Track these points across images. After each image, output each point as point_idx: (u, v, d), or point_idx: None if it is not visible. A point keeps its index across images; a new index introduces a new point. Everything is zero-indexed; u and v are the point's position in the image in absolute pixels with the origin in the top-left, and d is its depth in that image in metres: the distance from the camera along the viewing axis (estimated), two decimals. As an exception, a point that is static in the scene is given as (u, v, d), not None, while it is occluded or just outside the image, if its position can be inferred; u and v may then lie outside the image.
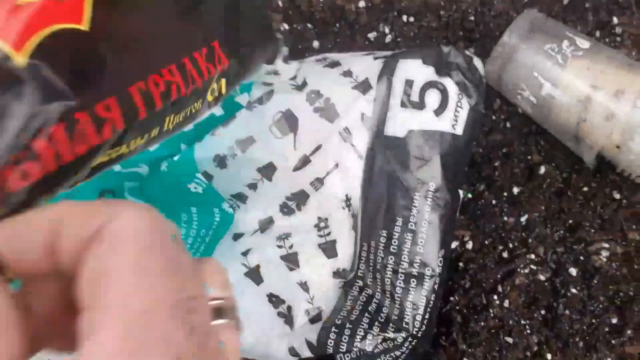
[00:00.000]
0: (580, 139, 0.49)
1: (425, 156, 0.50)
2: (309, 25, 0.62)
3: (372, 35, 0.61)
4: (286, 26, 0.62)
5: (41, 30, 0.25)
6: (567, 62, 0.48)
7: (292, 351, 0.51)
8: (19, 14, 0.24)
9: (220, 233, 0.56)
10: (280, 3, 0.62)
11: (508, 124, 0.57)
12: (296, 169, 0.52)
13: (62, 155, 0.27)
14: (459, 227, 0.55)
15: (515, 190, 0.54)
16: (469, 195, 0.55)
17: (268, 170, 0.53)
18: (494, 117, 0.57)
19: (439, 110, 0.51)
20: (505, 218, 0.53)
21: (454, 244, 0.54)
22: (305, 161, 0.52)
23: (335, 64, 0.55)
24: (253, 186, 0.54)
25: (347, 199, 0.52)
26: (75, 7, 0.26)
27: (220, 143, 0.54)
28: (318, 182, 0.51)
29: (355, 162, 0.52)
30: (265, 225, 0.54)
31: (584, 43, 0.49)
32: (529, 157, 0.55)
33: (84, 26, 0.27)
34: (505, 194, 0.54)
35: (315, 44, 0.62)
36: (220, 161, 0.54)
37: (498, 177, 0.55)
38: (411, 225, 0.50)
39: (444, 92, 0.52)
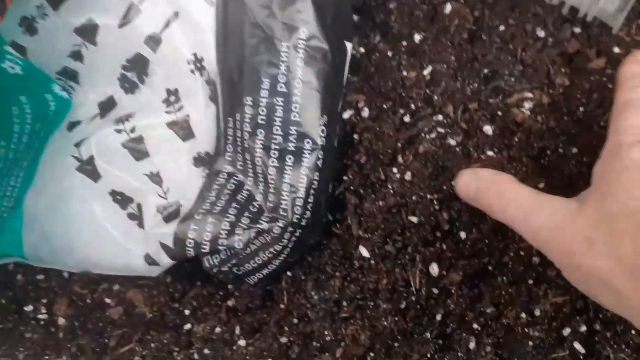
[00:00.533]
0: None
1: (292, -7, 0.38)
2: None
3: None
4: None
5: None
6: None
7: (148, 259, 0.41)
8: None
9: (55, 124, 0.44)
10: None
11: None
12: (123, 24, 0.39)
13: None
14: (352, 92, 0.44)
15: (417, 37, 0.43)
16: (362, 50, 0.44)
17: (88, 31, 0.40)
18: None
19: None
20: (405, 73, 0.42)
21: (348, 114, 0.43)
22: (133, 12, 0.39)
23: None
24: (77, 56, 0.41)
25: (198, 60, 0.40)
26: None
27: (25, 1, 0.40)
28: (153, 41, 0.39)
29: (203, 9, 0.39)
30: (107, 107, 0.42)
31: None
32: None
33: None
34: (404, 43, 0.43)
35: None
36: (29, 25, 0.41)
37: (395, 23, 0.44)
38: (281, 87, 0.39)
39: None
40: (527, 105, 0.41)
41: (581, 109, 0.41)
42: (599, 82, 0.41)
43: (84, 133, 0.42)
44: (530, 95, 0.41)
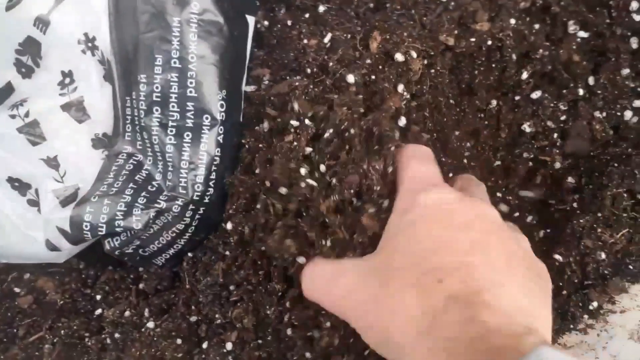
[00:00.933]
0: None
1: (181, -35, 0.37)
2: None
3: None
4: None
5: None
6: None
7: (49, 244, 0.40)
8: None
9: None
10: None
11: None
12: (10, 7, 0.38)
13: None
14: (258, 66, 0.43)
15: (322, 8, 0.43)
16: (266, 24, 0.44)
17: (-27, 13, 0.38)
18: None
19: None
20: (306, 41, 0.41)
21: (252, 87, 0.42)
22: (17, -8, 0.38)
23: None
24: (-34, 41, 0.40)
25: (89, 40, 0.39)
26: None
27: None
28: (42, 22, 0.38)
29: (93, -14, 0.38)
30: (5, 94, 0.41)
31: None
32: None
33: None
34: (307, 14, 0.43)
35: None
36: None
37: (298, -6, 0.43)
38: (174, 63, 0.38)
39: None
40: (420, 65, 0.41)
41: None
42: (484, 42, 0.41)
43: (-20, 121, 0.41)
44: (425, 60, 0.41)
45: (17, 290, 0.44)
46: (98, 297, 0.43)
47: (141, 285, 0.42)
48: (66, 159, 0.40)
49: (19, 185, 0.40)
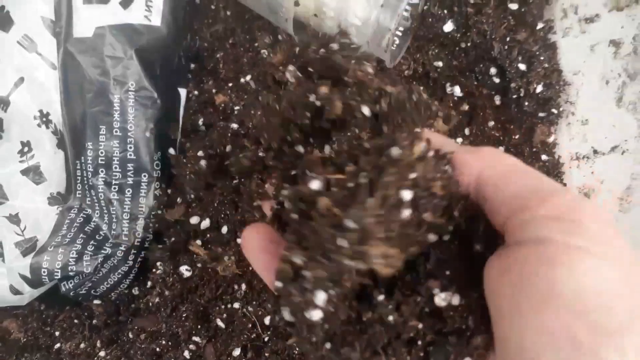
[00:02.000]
0: (275, 11, 0.46)
1: (119, 54, 0.46)
2: None
3: None
4: None
5: None
6: None
7: (13, 289, 0.46)
8: None
9: None
10: None
11: (228, 12, 0.53)
12: (-25, 90, 0.45)
13: None
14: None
15: (243, 80, 0.51)
16: (196, 93, 0.52)
17: (-57, 97, 0.46)
18: (212, 7, 0.53)
19: (126, 2, 0.46)
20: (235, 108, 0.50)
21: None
22: (-19, 79, 0.45)
23: (13, -33, 0.48)
24: (-63, 118, 0.47)
25: (43, 115, 0.46)
26: None
27: None
28: (3, 103, 0.45)
29: (48, 73, 0.46)
30: (-28, 162, 0.48)
31: None
32: (256, 44, 0.52)
33: None
34: (230, 84, 0.51)
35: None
36: None
37: (223, 69, 0.52)
38: (116, 132, 0.46)
39: (131, -18, 0.47)
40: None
41: None
42: None
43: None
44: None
45: (-16, 331, 0.50)
46: (57, 333, 0.49)
47: (94, 321, 0.49)
48: (26, 215, 0.47)
49: (-14, 240, 0.47)
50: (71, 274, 0.45)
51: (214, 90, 0.51)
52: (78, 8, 0.46)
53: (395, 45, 0.46)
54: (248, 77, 0.52)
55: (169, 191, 0.48)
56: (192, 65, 0.54)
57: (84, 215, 0.47)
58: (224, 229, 0.47)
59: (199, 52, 0.53)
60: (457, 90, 0.51)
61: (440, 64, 0.49)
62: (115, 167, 0.46)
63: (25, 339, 0.50)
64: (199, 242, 0.47)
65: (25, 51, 0.46)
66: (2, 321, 0.51)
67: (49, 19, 0.46)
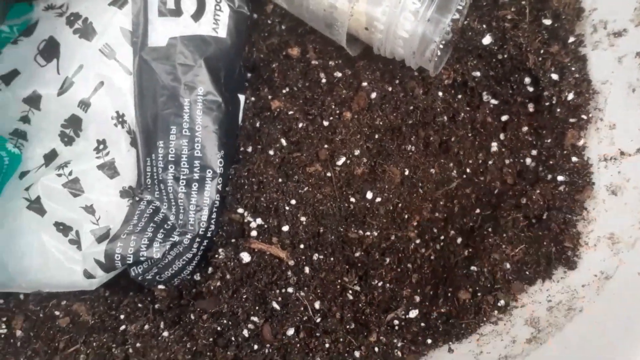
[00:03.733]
0: (331, 25, 0.51)
1: (189, 62, 0.51)
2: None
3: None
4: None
5: None
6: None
7: (86, 274, 0.51)
8: None
9: (9, 175, 0.54)
10: None
11: (283, 26, 0.58)
12: (60, 93, 0.51)
13: None
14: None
15: (295, 87, 0.56)
16: (252, 99, 0.57)
17: (34, 100, 0.51)
18: (269, 22, 0.58)
19: (197, 15, 0.52)
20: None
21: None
22: (68, 84, 0.51)
23: (95, -16, 0.53)
24: (25, 119, 0.52)
25: (120, 116, 0.52)
26: None
27: (-18, 81, 0.52)
28: (84, 104, 0.51)
29: (124, 78, 0.51)
30: (50, 158, 0.53)
31: None
32: (307, 55, 0.57)
33: None
34: (284, 91, 0.56)
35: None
36: (-15, 99, 0.52)
37: (277, 78, 0.57)
38: (185, 132, 0.51)
39: (200, -3, 0.52)
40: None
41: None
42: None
43: (32, 179, 0.52)
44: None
45: (57, 313, 0.55)
46: (122, 316, 0.54)
47: (157, 305, 0.53)
48: (100, 207, 0.51)
49: (63, 228, 0.51)
50: (142, 259, 0.49)
51: (269, 97, 0.56)
52: (153, 20, 0.51)
53: (437, 57, 0.50)
54: (300, 85, 0.57)
55: (228, 189, 0.53)
56: (249, 74, 0.59)
57: (153, 207, 0.52)
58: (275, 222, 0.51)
59: (256, 62, 0.59)
60: (493, 99, 0.56)
61: (478, 74, 0.54)
62: (184, 164, 0.51)
63: (92, 321, 0.54)
64: (255, 232, 0.52)
65: (105, 58, 0.51)
66: (72, 304, 0.55)
67: (127, 30, 0.51)
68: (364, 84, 0.55)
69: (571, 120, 0.50)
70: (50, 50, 0.52)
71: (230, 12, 0.53)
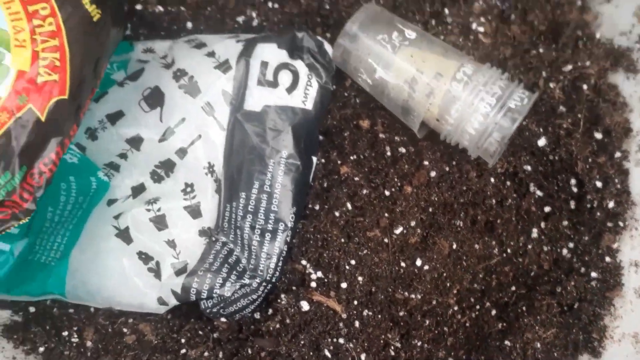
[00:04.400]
0: (408, 113, 0.58)
1: (279, 128, 0.58)
2: (182, 7, 0.67)
3: (240, 19, 0.67)
4: (161, 8, 0.67)
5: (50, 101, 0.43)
6: (397, 50, 0.57)
7: (161, 300, 0.57)
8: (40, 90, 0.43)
9: (96, 199, 0.60)
10: (154, -14, 0.67)
11: (357, 100, 0.65)
12: (162, 140, 0.58)
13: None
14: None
15: (362, 156, 0.63)
16: (322, 161, 0.63)
17: (136, 142, 0.58)
18: (345, 94, 0.65)
19: (291, 89, 0.59)
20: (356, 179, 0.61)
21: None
22: (170, 133, 0.57)
23: (201, 45, 0.61)
24: (124, 156, 0.59)
25: (210, 166, 0.58)
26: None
27: (91, 117, 0.59)
28: (182, 152, 0.58)
29: (218, 133, 0.58)
30: (138, 191, 0.60)
31: (411, 34, 0.58)
32: (375, 128, 0.64)
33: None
34: (352, 157, 0.63)
35: (189, 25, 0.67)
36: (92, 134, 0.59)
37: (347, 145, 0.63)
38: (266, 188, 0.57)
39: (295, 73, 0.59)
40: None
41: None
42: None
43: (120, 208, 0.59)
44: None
45: (125, 330, 0.61)
46: (183, 340, 0.60)
47: (215, 335, 0.59)
48: (181, 243, 0.58)
49: (145, 257, 0.58)
50: (214, 295, 0.56)
51: (338, 162, 0.63)
52: (251, 88, 0.58)
53: (498, 153, 0.57)
54: (366, 154, 0.63)
55: (295, 241, 0.59)
56: (322, 137, 0.65)
57: (228, 249, 0.58)
58: (335, 278, 0.58)
59: (329, 128, 0.65)
60: (539, 191, 0.62)
61: (528, 168, 0.60)
62: (261, 215, 0.57)
63: (156, 342, 0.60)
64: (314, 284, 0.58)
65: (205, 114, 0.58)
66: (138, 323, 0.61)
67: (228, 92, 0.58)
68: (425, 162, 0.62)
69: (609, 224, 0.56)
70: (155, 98, 0.59)
71: (318, 88, 0.60)
